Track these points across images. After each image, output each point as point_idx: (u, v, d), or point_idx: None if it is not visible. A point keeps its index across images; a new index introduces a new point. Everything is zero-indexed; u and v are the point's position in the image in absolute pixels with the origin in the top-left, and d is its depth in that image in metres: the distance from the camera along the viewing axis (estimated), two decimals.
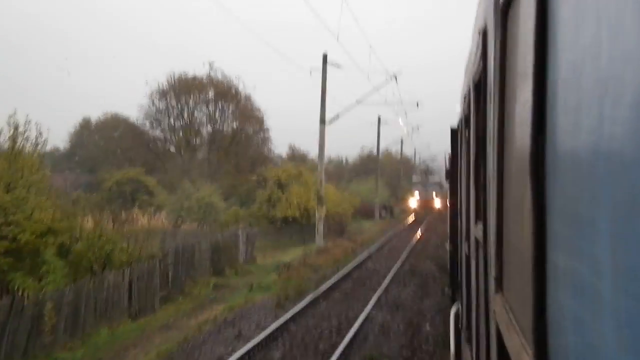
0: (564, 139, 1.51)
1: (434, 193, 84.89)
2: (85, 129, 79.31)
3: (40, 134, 25.92)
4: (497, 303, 2.94)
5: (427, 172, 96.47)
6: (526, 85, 1.92)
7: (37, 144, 26.04)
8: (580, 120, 1.29)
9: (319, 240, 40.73)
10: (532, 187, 1.78)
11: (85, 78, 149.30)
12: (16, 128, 25.10)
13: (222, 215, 51.49)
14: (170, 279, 26.81)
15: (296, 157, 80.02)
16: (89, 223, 26.58)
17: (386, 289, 26.63)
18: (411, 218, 75.86)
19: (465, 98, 6.83)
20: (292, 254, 39.48)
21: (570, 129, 1.41)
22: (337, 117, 41.50)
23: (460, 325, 8.31)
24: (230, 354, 17.25)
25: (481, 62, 4.09)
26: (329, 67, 41.03)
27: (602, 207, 1.12)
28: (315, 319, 21.25)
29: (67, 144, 79.55)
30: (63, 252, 25.04)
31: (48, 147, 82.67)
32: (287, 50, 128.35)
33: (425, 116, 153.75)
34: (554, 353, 1.59)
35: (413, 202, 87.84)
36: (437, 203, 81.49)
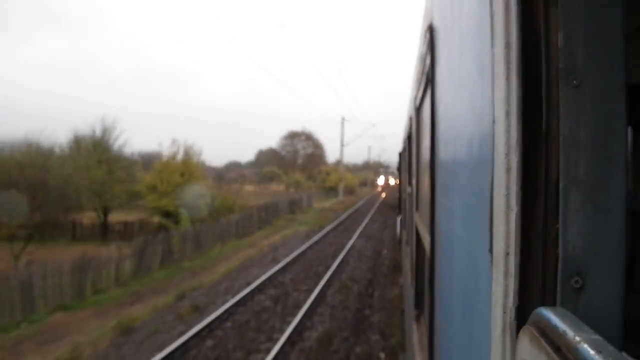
0: (441, 157, 1.22)
1: (390, 177, 68.08)
2: (259, 153, 74.05)
3: (200, 151, 19.53)
4: (416, 215, 2.54)
5: (386, 167, 78.85)
6: (427, 137, 1.59)
7: (198, 155, 19.22)
8: (448, 149, 1.07)
9: (340, 196, 33.67)
10: (430, 173, 1.42)
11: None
12: (190, 147, 18.67)
13: (304, 185, 44.55)
14: (262, 218, 19.58)
15: (338, 162, 72.41)
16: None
17: (370, 219, 19.03)
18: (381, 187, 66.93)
19: (404, 141, 5.84)
20: (330, 202, 34.39)
21: (443, 152, 1.16)
22: (348, 143, 34.11)
23: (402, 223, 7.23)
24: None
25: (410, 128, 3.52)
26: (345, 122, 33.51)
27: (456, 180, 0.93)
28: (325, 244, 13.64)
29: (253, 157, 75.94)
30: (210, 206, 18.25)
31: (245, 159, 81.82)
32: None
33: (388, 141, 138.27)
34: (437, 233, 1.28)
35: (380, 181, 70.99)
36: (392, 182, 67.13)
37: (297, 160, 68.15)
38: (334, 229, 18.24)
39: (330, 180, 45.82)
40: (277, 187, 48.56)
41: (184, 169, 18.47)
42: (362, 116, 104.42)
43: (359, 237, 15.87)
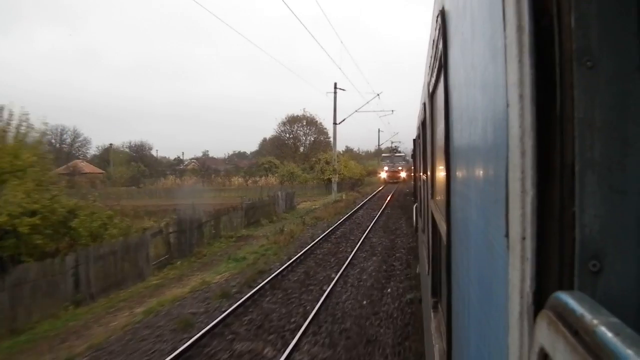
0: (455, 142, 1.22)
1: (399, 166, 44.16)
2: (263, 142, 67.08)
3: (44, 128, 9.95)
4: (431, 202, 2.55)
5: (394, 150, 53.39)
6: (441, 123, 1.60)
7: (25, 134, 9.61)
8: (462, 134, 1.04)
9: (334, 194, 25.01)
10: (445, 159, 1.42)
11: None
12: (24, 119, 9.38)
13: (300, 177, 40.98)
14: (171, 246, 9.98)
15: (346, 150, 62.57)
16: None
17: (363, 244, 9.29)
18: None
19: (418, 128, 5.89)
20: (325, 200, 26.24)
21: (458, 137, 1.14)
22: (343, 120, 24.27)
23: (417, 210, 7.07)
24: None
25: (423, 114, 3.52)
26: (338, 91, 23.43)
27: (471, 166, 0.92)
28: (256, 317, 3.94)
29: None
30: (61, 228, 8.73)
31: (251, 149, 76.37)
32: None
33: (397, 116, 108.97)
34: (453, 220, 1.29)
35: (383, 174, 45.32)
36: (403, 174, 42.92)
37: (298, 149, 58.20)
38: (280, 282, 8.40)
39: (329, 171, 36.22)
40: (273, 180, 39.66)
41: (9, 156, 9.45)
42: (368, 88, 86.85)
43: (317, 318, 6.12)
